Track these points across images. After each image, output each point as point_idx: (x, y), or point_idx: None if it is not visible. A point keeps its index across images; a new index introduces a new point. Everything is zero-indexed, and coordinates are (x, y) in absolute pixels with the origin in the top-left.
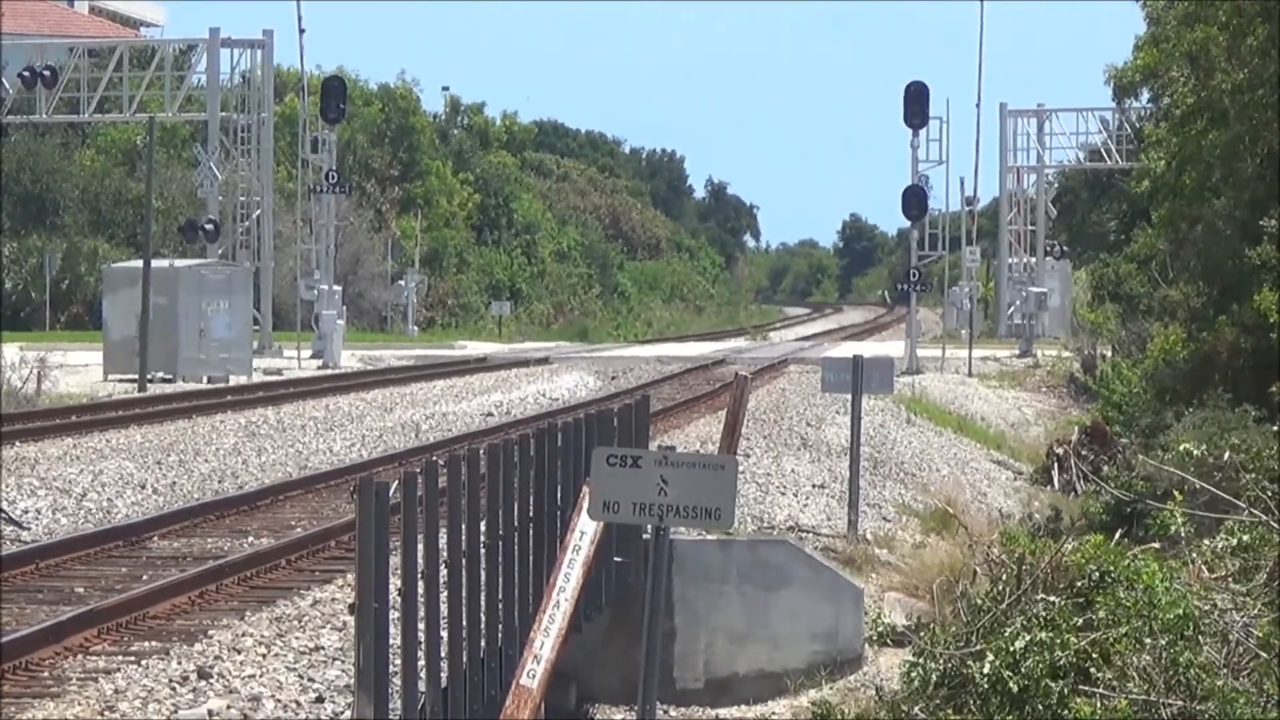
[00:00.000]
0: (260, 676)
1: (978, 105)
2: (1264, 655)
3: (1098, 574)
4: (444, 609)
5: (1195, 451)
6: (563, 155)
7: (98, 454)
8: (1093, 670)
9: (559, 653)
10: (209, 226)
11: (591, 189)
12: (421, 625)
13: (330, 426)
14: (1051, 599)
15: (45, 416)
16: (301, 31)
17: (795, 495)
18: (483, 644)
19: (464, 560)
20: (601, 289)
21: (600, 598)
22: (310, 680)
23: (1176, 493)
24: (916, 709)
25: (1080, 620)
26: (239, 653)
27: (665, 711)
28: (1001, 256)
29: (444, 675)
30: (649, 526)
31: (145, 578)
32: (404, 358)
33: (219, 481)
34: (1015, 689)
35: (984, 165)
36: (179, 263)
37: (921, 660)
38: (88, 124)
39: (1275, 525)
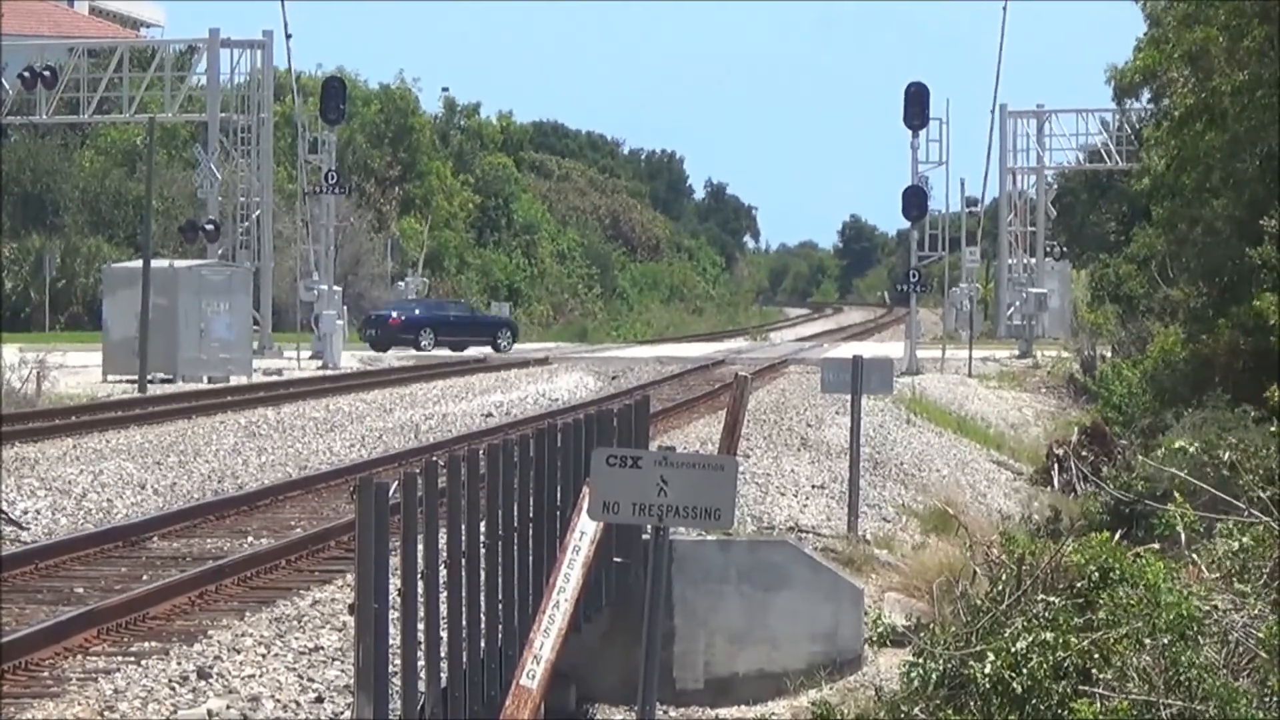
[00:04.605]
0: (260, 676)
1: (993, 111)
2: (1264, 656)
3: (1098, 574)
4: (444, 609)
5: (1189, 449)
6: (562, 156)
7: (97, 454)
8: (1093, 671)
9: (559, 653)
10: (209, 227)
11: (591, 190)
12: (421, 625)
13: (330, 427)
14: (1051, 599)
15: (45, 417)
16: (289, 36)
17: (795, 496)
18: (482, 644)
19: (464, 560)
20: (601, 290)
21: (600, 598)
22: (310, 680)
23: (1177, 493)
24: (916, 709)
25: (1080, 621)
26: (239, 653)
27: (665, 712)
28: (1001, 257)
29: (444, 675)
30: (649, 527)
31: (145, 578)
32: (404, 358)
33: (219, 482)
34: (1019, 690)
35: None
36: (179, 263)
37: (921, 660)
38: (88, 124)
39: (1275, 526)
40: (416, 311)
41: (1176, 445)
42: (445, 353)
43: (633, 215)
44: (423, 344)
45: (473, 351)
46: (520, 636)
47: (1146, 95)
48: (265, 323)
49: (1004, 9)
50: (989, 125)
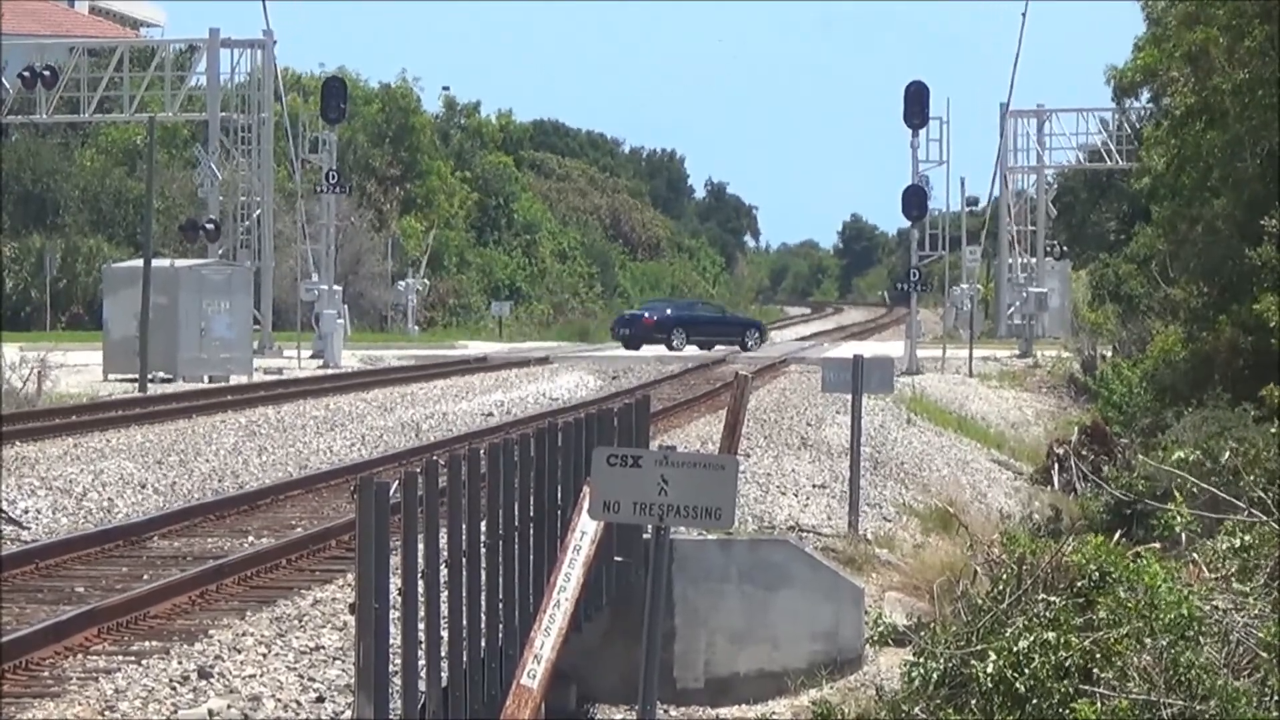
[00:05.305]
0: (260, 676)
1: (1003, 114)
2: (1265, 656)
3: (1098, 574)
4: (444, 609)
5: (1190, 459)
6: (563, 155)
7: (98, 454)
8: (1095, 670)
9: (559, 652)
10: (209, 226)
11: (592, 189)
12: (422, 625)
13: (330, 426)
14: (1052, 599)
15: (45, 416)
16: (273, 42)
17: (795, 495)
18: (483, 644)
19: (464, 560)
20: (602, 289)
21: (601, 598)
22: (310, 680)
23: (1177, 493)
24: (917, 709)
25: (1080, 620)
26: (239, 652)
27: (665, 711)
28: (1001, 257)
29: (444, 675)
30: (649, 526)
31: (146, 577)
32: (404, 357)
33: (219, 481)
34: (1021, 689)
35: (985, 166)
36: (179, 262)
37: (922, 660)
38: (88, 124)
39: (1275, 525)
40: (669, 312)
41: (1176, 456)
42: (446, 352)
43: (633, 214)
44: (674, 343)
45: (474, 350)
46: (521, 636)
47: (1146, 95)
48: (266, 322)
49: (1023, 14)
50: (996, 124)
